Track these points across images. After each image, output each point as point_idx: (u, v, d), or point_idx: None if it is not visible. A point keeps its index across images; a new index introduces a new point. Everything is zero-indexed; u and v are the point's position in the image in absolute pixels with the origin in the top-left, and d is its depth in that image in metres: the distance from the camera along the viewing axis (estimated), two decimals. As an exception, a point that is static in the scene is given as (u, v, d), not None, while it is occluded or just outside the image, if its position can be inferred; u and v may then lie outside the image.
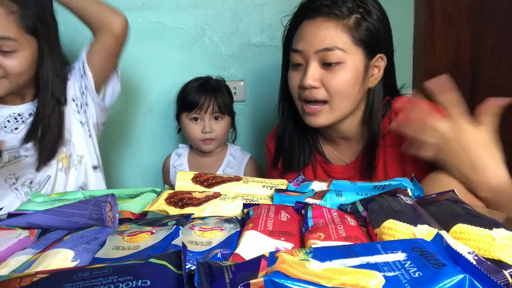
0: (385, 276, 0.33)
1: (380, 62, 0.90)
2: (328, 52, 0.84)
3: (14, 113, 1.05)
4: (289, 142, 1.01)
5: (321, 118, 0.88)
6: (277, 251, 0.37)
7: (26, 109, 1.06)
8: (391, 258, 0.36)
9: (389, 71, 0.93)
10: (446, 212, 0.50)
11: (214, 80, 1.36)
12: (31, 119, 1.05)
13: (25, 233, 0.53)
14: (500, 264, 0.38)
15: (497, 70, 1.40)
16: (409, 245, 0.37)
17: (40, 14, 0.98)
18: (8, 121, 1.03)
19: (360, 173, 0.95)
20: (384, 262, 0.35)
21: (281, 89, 1.01)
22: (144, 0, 1.43)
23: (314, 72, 0.85)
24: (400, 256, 0.36)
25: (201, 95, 1.29)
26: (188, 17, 1.45)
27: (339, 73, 0.84)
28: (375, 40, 0.87)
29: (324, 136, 1.01)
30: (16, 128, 1.04)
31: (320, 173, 1.02)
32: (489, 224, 0.44)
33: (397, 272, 0.33)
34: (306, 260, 0.36)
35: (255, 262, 0.36)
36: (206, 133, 1.31)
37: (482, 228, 0.43)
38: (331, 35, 0.84)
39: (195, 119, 1.32)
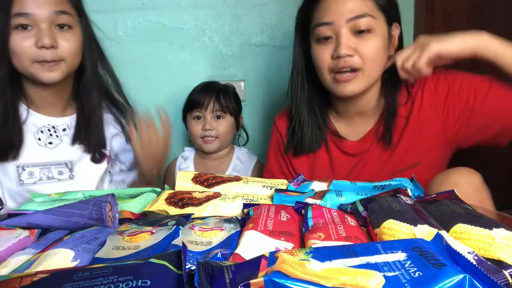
0: (385, 276, 0.33)
1: (395, 30, 0.94)
2: (360, 20, 0.86)
3: (49, 125, 0.99)
4: (300, 123, 1.01)
5: (354, 84, 0.89)
6: (277, 251, 0.37)
7: (61, 122, 1.01)
8: (391, 258, 0.36)
9: (401, 42, 0.96)
10: (446, 212, 0.50)
11: (221, 84, 1.37)
12: (65, 134, 1.01)
13: (25, 233, 0.53)
14: (500, 264, 0.38)
15: (497, 70, 1.39)
16: (409, 245, 0.37)
17: None
18: (42, 131, 0.98)
19: (381, 139, 0.96)
20: (384, 262, 0.35)
21: (296, 67, 1.01)
22: (144, 0, 1.43)
23: (348, 41, 0.87)
24: (400, 256, 0.36)
25: (204, 94, 1.31)
26: (188, 17, 1.45)
27: (371, 40, 0.87)
28: (392, 7, 0.91)
29: (338, 112, 1.02)
30: (51, 143, 0.98)
31: (334, 149, 1.02)
32: (489, 224, 0.44)
33: (397, 272, 0.33)
34: (306, 260, 0.36)
35: (255, 262, 0.36)
36: (207, 130, 1.31)
37: (482, 228, 0.43)
38: (360, 4, 0.87)
39: (198, 118, 1.33)
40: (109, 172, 1.10)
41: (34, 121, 0.98)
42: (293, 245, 0.45)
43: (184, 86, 1.41)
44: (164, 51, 1.46)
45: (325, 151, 1.02)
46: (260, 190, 0.70)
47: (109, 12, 1.41)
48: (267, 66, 1.48)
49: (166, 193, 0.66)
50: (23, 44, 0.88)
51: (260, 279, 0.32)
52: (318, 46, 0.92)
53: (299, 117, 1.01)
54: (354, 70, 0.88)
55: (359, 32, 0.87)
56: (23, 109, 0.97)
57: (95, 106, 1.02)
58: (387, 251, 0.37)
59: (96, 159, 1.03)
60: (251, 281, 0.32)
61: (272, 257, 0.36)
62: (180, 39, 1.46)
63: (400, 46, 0.96)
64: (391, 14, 0.91)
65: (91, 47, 1.00)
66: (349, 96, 0.92)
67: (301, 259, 0.36)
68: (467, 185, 0.70)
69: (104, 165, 1.06)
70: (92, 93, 1.02)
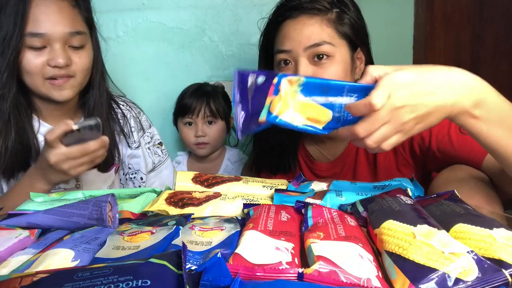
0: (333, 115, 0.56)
1: (361, 54, 0.91)
2: (317, 48, 0.84)
3: None
4: (275, 145, 1.00)
5: None
6: (285, 76, 0.56)
7: None
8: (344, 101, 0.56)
9: (369, 64, 0.94)
10: (447, 212, 0.50)
11: (210, 86, 1.39)
12: None
13: (25, 233, 0.53)
14: (500, 264, 0.38)
15: (497, 70, 1.40)
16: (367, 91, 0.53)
17: (89, 5, 0.96)
18: None
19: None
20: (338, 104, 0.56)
21: None
22: (144, 0, 1.43)
23: (305, 70, 0.85)
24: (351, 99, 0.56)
25: (194, 99, 1.33)
26: (188, 17, 1.45)
27: (329, 68, 0.85)
28: (356, 32, 0.88)
29: (310, 136, 1.01)
30: None
31: (306, 171, 1.02)
32: (490, 223, 0.44)
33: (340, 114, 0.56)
34: (296, 92, 0.56)
35: (267, 84, 0.57)
36: (199, 137, 1.34)
37: (483, 228, 0.43)
38: (318, 31, 0.84)
39: (189, 123, 1.36)
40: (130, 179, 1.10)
41: (42, 131, 0.97)
42: (293, 245, 0.44)
43: (184, 86, 1.41)
44: (164, 51, 1.46)
45: (298, 169, 1.02)
46: (260, 190, 0.70)
47: (109, 12, 1.41)
48: (267, 66, 1.48)
49: (166, 193, 0.66)
50: (35, 62, 0.86)
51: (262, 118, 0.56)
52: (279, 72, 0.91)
53: (274, 139, 0.99)
54: None
55: (318, 59, 0.84)
56: (35, 120, 0.96)
57: (105, 119, 1.00)
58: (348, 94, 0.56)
59: (102, 168, 1.02)
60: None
61: (277, 87, 0.56)
62: (180, 39, 1.46)
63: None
64: (356, 39, 0.88)
65: (98, 60, 0.99)
66: None
67: (294, 91, 0.55)
68: (473, 182, 0.70)
69: (111, 173, 1.05)
70: (102, 107, 1.00)
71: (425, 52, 1.50)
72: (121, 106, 1.09)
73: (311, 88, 0.56)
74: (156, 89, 1.49)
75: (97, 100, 1.00)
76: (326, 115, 0.56)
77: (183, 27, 1.46)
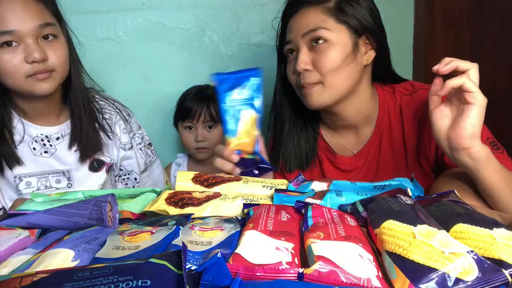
0: None
1: (369, 39, 0.90)
2: (313, 33, 0.87)
3: (42, 134, 0.99)
4: (291, 140, 1.01)
5: (316, 96, 0.89)
6: None
7: (54, 131, 1.01)
8: None
9: (382, 52, 0.93)
10: (447, 212, 0.50)
11: (211, 88, 1.38)
12: (59, 143, 1.00)
13: (25, 233, 0.53)
14: (500, 264, 0.38)
15: (497, 70, 1.40)
16: None
17: None
18: (36, 141, 0.98)
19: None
20: None
21: (279, 87, 1.04)
22: (144, 0, 1.43)
23: (304, 57, 0.88)
24: None
25: (194, 104, 1.33)
26: (188, 17, 1.45)
27: (327, 52, 0.87)
28: (358, 19, 0.88)
29: (329, 126, 1.01)
30: (46, 152, 0.98)
31: (327, 164, 1.01)
32: (490, 223, 0.44)
33: None
34: None
35: None
36: (199, 141, 1.34)
37: (483, 228, 0.43)
38: (314, 19, 0.88)
39: (189, 128, 1.36)
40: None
41: (28, 132, 0.98)
42: (293, 245, 0.44)
43: (184, 87, 1.41)
44: (164, 51, 1.46)
45: (318, 167, 1.02)
46: (260, 190, 0.70)
47: (109, 12, 1.41)
48: (267, 66, 1.48)
49: (166, 193, 0.66)
50: (13, 62, 0.86)
51: None
52: (288, 64, 0.95)
53: (291, 133, 1.01)
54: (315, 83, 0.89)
55: (315, 42, 0.87)
56: (17, 120, 0.96)
57: (85, 111, 1.02)
58: None
59: (93, 167, 1.03)
60: None
61: None
62: (180, 39, 1.46)
63: (381, 55, 0.93)
64: (359, 25, 0.88)
65: (72, 52, 0.99)
66: (317, 108, 0.92)
67: None
68: (471, 185, 0.70)
69: (103, 173, 1.05)
70: (81, 98, 1.01)
71: (425, 52, 1.50)
72: (107, 106, 1.10)
73: None
74: (156, 89, 1.49)
75: (76, 94, 1.00)
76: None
77: (183, 27, 1.46)
